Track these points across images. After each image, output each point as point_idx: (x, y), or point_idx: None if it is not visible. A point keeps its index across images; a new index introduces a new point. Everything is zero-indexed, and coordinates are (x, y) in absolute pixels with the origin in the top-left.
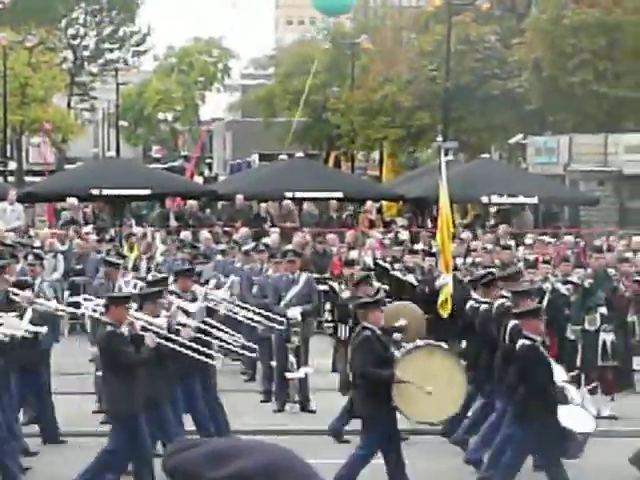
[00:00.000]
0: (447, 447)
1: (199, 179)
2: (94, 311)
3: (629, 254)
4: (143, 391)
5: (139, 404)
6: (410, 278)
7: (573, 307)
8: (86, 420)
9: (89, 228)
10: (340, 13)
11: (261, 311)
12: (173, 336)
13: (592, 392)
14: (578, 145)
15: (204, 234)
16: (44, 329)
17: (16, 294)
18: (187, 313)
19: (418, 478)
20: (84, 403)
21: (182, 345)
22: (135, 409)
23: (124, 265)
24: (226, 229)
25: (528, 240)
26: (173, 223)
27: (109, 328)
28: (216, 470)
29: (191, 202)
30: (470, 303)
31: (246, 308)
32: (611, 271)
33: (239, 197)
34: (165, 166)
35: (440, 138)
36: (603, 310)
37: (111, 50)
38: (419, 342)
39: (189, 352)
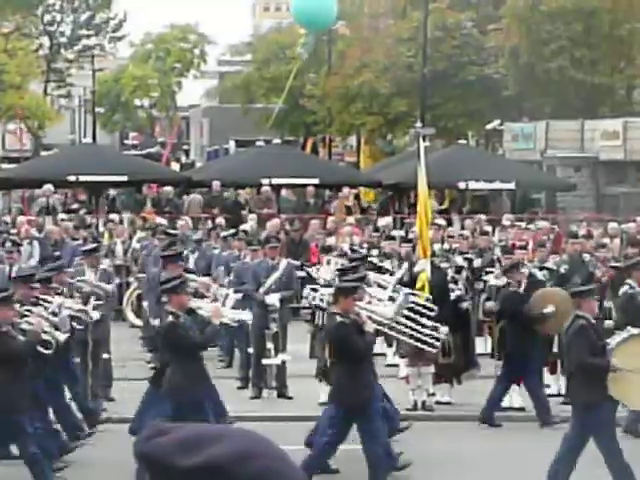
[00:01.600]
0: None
1: (176, 166)
2: (321, 301)
3: (606, 240)
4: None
5: (369, 392)
6: (387, 264)
7: None
8: None
9: (65, 215)
10: (321, 29)
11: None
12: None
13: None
14: (555, 131)
15: (181, 221)
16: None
17: None
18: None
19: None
20: None
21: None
22: (368, 395)
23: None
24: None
25: (505, 222)
26: (149, 209)
27: (339, 319)
28: (186, 458)
29: (167, 189)
30: (624, 289)
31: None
32: (586, 256)
33: (216, 184)
34: (142, 153)
35: (419, 124)
36: None
37: (87, 36)
38: (633, 330)
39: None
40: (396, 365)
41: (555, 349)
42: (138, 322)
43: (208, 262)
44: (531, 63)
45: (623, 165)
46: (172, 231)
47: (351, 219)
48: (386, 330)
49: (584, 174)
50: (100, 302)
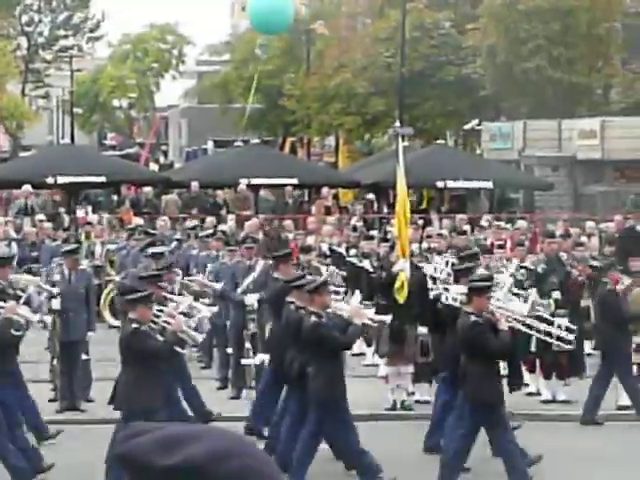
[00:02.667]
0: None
1: (154, 166)
2: (454, 300)
3: (583, 239)
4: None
5: (500, 393)
6: (366, 264)
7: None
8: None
9: (43, 216)
10: (277, 32)
11: None
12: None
13: (547, 377)
14: (532, 131)
15: (160, 221)
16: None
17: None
18: None
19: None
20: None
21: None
22: (498, 399)
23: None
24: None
25: (483, 222)
26: (127, 210)
27: (473, 318)
28: (165, 457)
29: (146, 189)
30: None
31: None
32: (563, 255)
33: (194, 184)
34: (120, 153)
35: (398, 124)
36: (557, 295)
37: (65, 37)
38: None
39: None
40: (375, 365)
41: (533, 348)
42: (116, 322)
43: (186, 262)
44: (509, 62)
45: (601, 164)
46: (152, 231)
47: (331, 219)
48: (521, 327)
49: (562, 173)
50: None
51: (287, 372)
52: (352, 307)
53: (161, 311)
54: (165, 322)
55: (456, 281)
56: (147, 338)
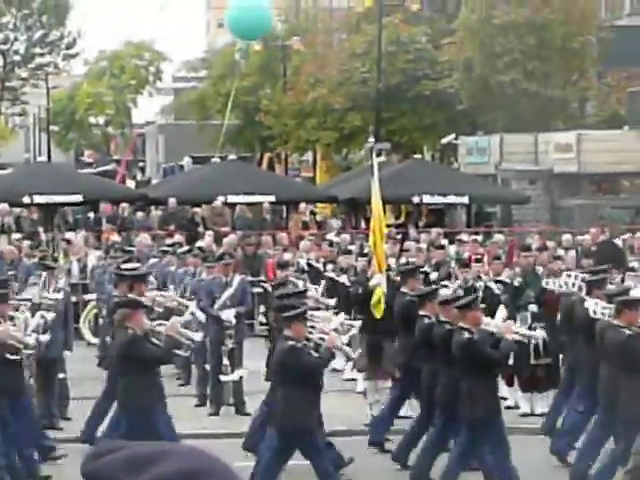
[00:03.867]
0: None
1: (131, 183)
2: (602, 315)
3: (560, 252)
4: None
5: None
6: (343, 279)
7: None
8: None
9: (19, 235)
10: (255, 38)
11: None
12: None
13: (525, 390)
14: (509, 144)
15: (140, 238)
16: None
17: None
18: None
19: None
20: None
21: None
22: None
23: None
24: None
25: (464, 237)
26: (106, 227)
27: (626, 332)
28: (133, 477)
29: (123, 205)
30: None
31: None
32: (539, 269)
33: (172, 201)
34: (97, 170)
35: (372, 139)
36: (533, 308)
37: (42, 54)
38: None
39: None
40: (354, 379)
41: (511, 362)
42: (94, 340)
43: (164, 279)
44: (484, 76)
45: (577, 177)
46: (129, 248)
47: (308, 234)
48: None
49: (538, 187)
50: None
51: (422, 387)
52: (504, 324)
53: (313, 327)
54: (320, 338)
55: (588, 293)
56: (304, 355)
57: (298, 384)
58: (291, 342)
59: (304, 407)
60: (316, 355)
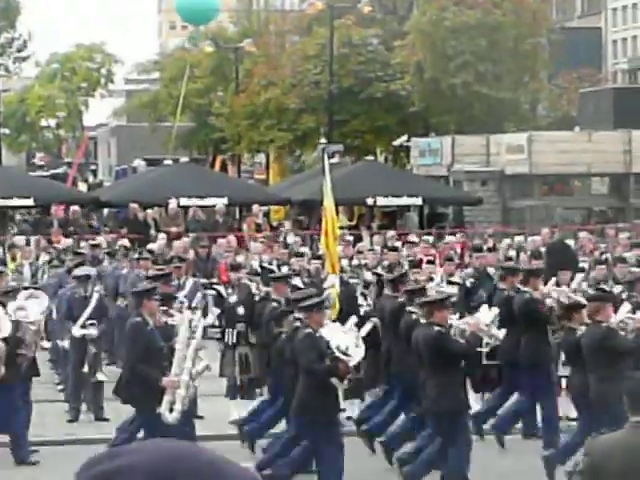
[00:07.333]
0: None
1: (83, 186)
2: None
3: (512, 253)
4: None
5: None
6: (296, 281)
7: (456, 307)
8: None
9: None
10: (203, 23)
11: None
12: None
13: (477, 390)
14: (461, 146)
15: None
16: None
17: None
18: None
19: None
20: None
21: None
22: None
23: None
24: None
25: (412, 238)
26: (56, 230)
27: (436, 328)
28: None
29: (75, 208)
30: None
31: None
32: (491, 270)
33: (133, 206)
34: (49, 173)
35: (324, 140)
36: (485, 309)
37: None
38: None
39: None
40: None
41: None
42: (47, 345)
43: (116, 282)
44: (436, 78)
45: (529, 178)
46: (80, 251)
47: (260, 236)
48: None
49: (490, 188)
50: None
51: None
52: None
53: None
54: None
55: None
56: (451, 340)
57: (448, 368)
58: (437, 327)
59: (456, 390)
60: (462, 341)
